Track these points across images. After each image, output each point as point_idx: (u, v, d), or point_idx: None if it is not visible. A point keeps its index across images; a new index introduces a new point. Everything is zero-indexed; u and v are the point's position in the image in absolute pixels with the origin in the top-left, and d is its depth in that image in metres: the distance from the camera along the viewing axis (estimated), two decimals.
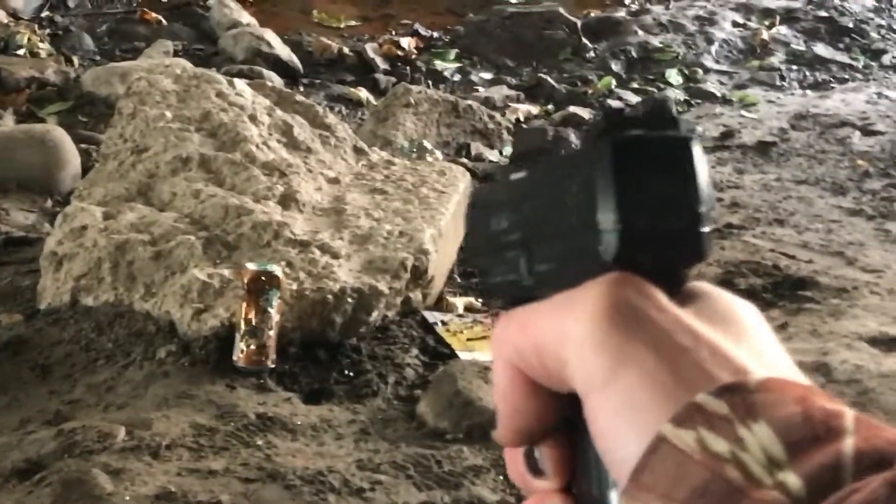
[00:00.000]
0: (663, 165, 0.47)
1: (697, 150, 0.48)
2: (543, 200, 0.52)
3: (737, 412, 0.42)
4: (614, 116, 0.48)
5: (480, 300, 3.99)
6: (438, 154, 5.60)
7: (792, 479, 0.40)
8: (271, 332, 3.21)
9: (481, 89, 7.38)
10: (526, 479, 0.53)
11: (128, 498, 2.56)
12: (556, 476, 0.52)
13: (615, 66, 8.01)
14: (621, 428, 0.44)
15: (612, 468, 0.46)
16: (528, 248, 0.53)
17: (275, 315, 3.22)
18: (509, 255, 0.54)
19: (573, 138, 5.98)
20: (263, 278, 3.21)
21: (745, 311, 0.49)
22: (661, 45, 8.36)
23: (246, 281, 3.20)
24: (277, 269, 3.28)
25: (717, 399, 0.43)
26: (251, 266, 3.27)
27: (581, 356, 0.46)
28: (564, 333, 0.47)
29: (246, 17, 7.91)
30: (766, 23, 8.99)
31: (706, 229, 0.48)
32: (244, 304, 3.19)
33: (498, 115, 6.46)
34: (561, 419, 0.50)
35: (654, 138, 0.48)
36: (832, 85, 8.12)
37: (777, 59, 8.49)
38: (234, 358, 3.21)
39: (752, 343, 0.47)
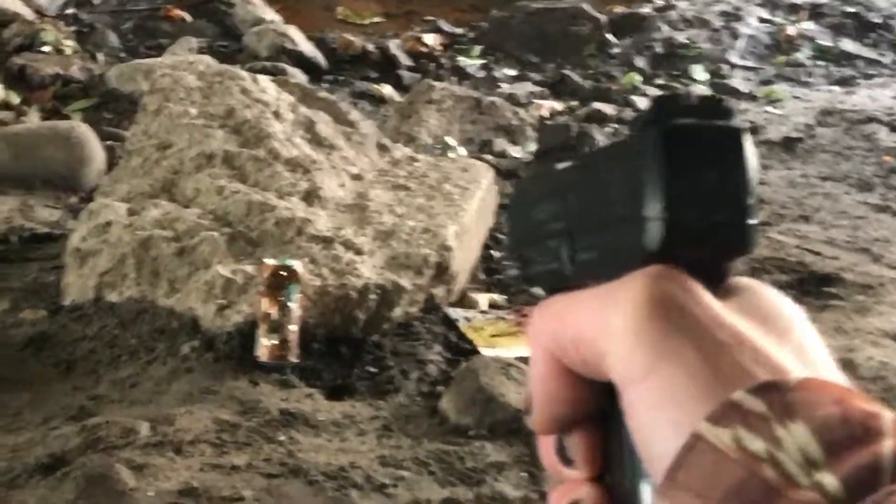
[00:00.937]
0: (713, 155, 0.46)
1: (748, 141, 0.47)
2: (588, 189, 0.51)
3: (774, 411, 0.42)
4: (665, 104, 0.47)
5: (504, 296, 3.98)
6: (462, 150, 5.60)
7: (829, 480, 0.40)
8: (292, 327, 3.21)
9: (505, 86, 7.37)
10: (557, 467, 0.53)
11: (150, 493, 2.57)
12: (587, 465, 0.51)
13: (640, 63, 7.98)
14: (658, 422, 0.44)
15: (648, 462, 0.45)
16: (570, 237, 0.52)
17: (296, 310, 3.22)
18: (551, 244, 0.54)
19: (597, 135, 5.96)
20: (283, 273, 3.21)
21: (788, 309, 0.48)
22: (686, 41, 8.32)
23: (266, 276, 3.21)
24: (297, 264, 3.28)
25: (754, 397, 0.42)
26: (270, 261, 3.27)
27: (621, 348, 0.46)
28: (604, 324, 0.47)
29: (270, 14, 7.93)
30: (792, 18, 8.95)
31: (753, 221, 0.47)
32: (265, 300, 3.19)
33: (522, 112, 6.45)
34: (595, 409, 0.50)
35: (705, 127, 0.47)
36: (858, 81, 8.06)
37: (803, 54, 8.44)
38: (257, 353, 3.21)
39: (795, 341, 0.46)
